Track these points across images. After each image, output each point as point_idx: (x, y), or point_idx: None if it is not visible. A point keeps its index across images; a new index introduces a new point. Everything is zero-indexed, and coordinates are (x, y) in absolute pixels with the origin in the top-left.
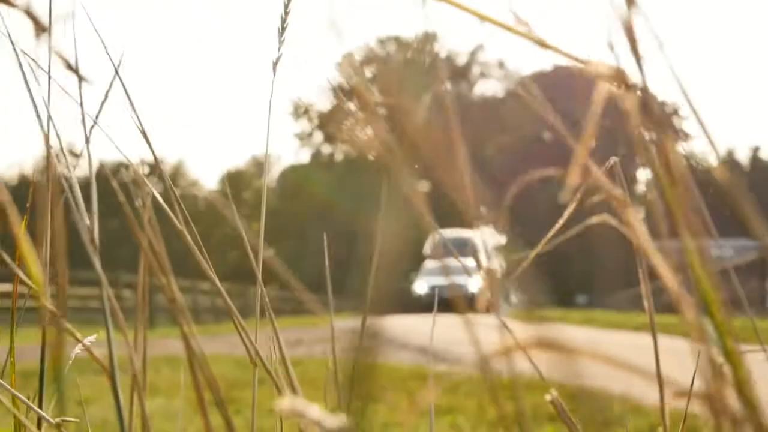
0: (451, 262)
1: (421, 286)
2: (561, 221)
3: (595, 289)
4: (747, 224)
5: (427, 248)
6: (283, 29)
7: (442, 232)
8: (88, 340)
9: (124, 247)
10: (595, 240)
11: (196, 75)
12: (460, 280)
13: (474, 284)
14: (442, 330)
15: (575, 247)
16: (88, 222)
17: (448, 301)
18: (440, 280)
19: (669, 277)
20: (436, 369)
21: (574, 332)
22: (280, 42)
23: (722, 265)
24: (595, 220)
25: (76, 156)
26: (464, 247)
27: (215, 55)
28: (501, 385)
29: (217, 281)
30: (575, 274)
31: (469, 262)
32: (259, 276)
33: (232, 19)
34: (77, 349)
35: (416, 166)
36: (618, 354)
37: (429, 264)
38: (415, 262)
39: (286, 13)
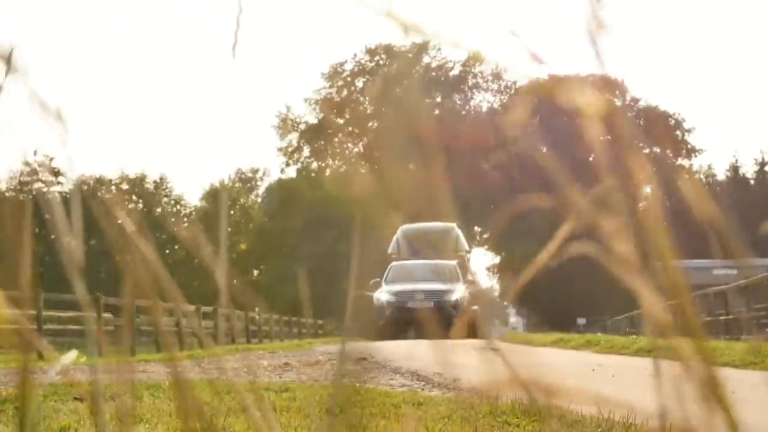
0: (425, 262)
1: (382, 295)
2: (553, 246)
3: (596, 312)
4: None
5: (393, 246)
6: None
7: (413, 225)
8: (67, 359)
9: (104, 266)
10: (596, 262)
11: (180, 88)
12: (437, 285)
13: (458, 291)
14: (433, 353)
15: (576, 269)
16: (70, 244)
17: (416, 315)
18: (408, 287)
19: (650, 303)
20: (430, 394)
21: (573, 357)
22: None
23: (727, 286)
24: (575, 249)
25: (56, 173)
26: (443, 242)
27: (201, 67)
28: (499, 411)
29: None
30: (576, 296)
31: (449, 262)
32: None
33: (219, 32)
34: (54, 373)
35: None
36: (617, 378)
37: (395, 266)
38: (383, 265)
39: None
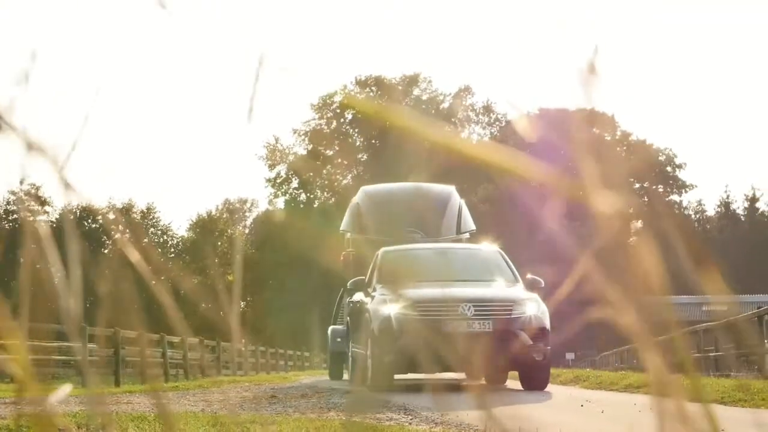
0: (450, 246)
1: (384, 307)
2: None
3: (585, 347)
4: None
5: (347, 221)
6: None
7: (383, 185)
8: (62, 392)
9: (88, 296)
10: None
11: (167, 116)
12: (488, 290)
13: (529, 301)
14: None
15: (564, 302)
16: (68, 305)
17: (464, 346)
18: (440, 294)
19: (642, 340)
20: (417, 429)
21: (561, 392)
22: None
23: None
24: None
25: (43, 202)
26: (436, 214)
27: (187, 95)
28: None
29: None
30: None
31: (488, 247)
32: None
33: (208, 62)
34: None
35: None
36: (606, 414)
37: (388, 253)
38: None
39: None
